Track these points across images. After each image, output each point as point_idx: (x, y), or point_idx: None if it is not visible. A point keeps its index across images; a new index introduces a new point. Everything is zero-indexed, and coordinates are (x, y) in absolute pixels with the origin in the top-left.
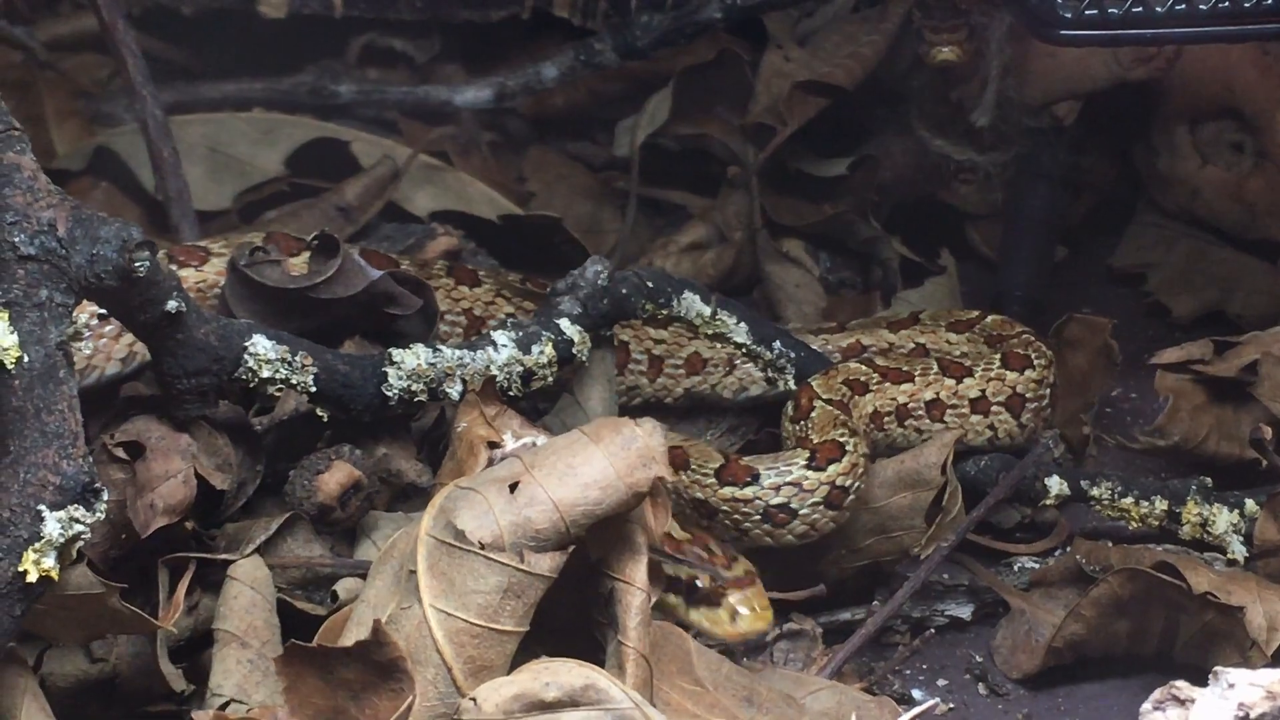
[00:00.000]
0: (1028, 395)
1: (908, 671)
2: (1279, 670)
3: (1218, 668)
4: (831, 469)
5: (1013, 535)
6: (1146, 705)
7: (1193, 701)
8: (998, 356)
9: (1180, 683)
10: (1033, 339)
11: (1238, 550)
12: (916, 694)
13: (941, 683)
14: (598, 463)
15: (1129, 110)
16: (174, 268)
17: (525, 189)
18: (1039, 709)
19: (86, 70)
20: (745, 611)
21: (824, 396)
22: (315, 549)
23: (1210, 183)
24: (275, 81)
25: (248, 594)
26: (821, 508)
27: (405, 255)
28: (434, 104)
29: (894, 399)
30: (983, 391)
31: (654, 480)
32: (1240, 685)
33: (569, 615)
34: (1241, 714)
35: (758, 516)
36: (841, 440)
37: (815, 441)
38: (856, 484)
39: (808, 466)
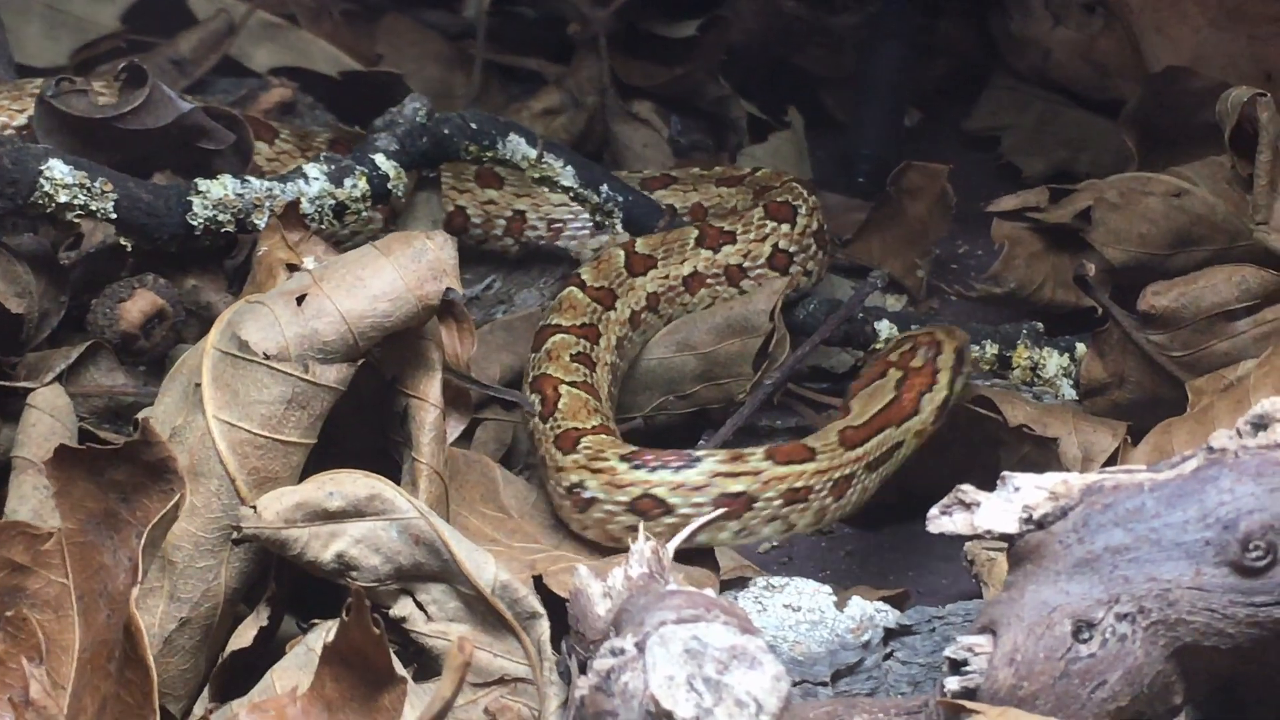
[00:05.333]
0: (792, 250)
1: None
2: (1063, 474)
3: (1005, 473)
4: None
5: (846, 379)
6: (934, 510)
7: (978, 505)
8: (760, 209)
9: (966, 486)
10: (797, 185)
11: (1067, 393)
12: None
13: None
14: (387, 275)
15: None
16: None
17: (375, 52)
18: (862, 546)
19: None
20: None
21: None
22: (118, 378)
23: (1062, 44)
24: None
25: (47, 421)
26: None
27: (238, 106)
28: None
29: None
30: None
31: (444, 293)
32: (1026, 488)
33: (370, 436)
34: (1026, 515)
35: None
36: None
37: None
38: None
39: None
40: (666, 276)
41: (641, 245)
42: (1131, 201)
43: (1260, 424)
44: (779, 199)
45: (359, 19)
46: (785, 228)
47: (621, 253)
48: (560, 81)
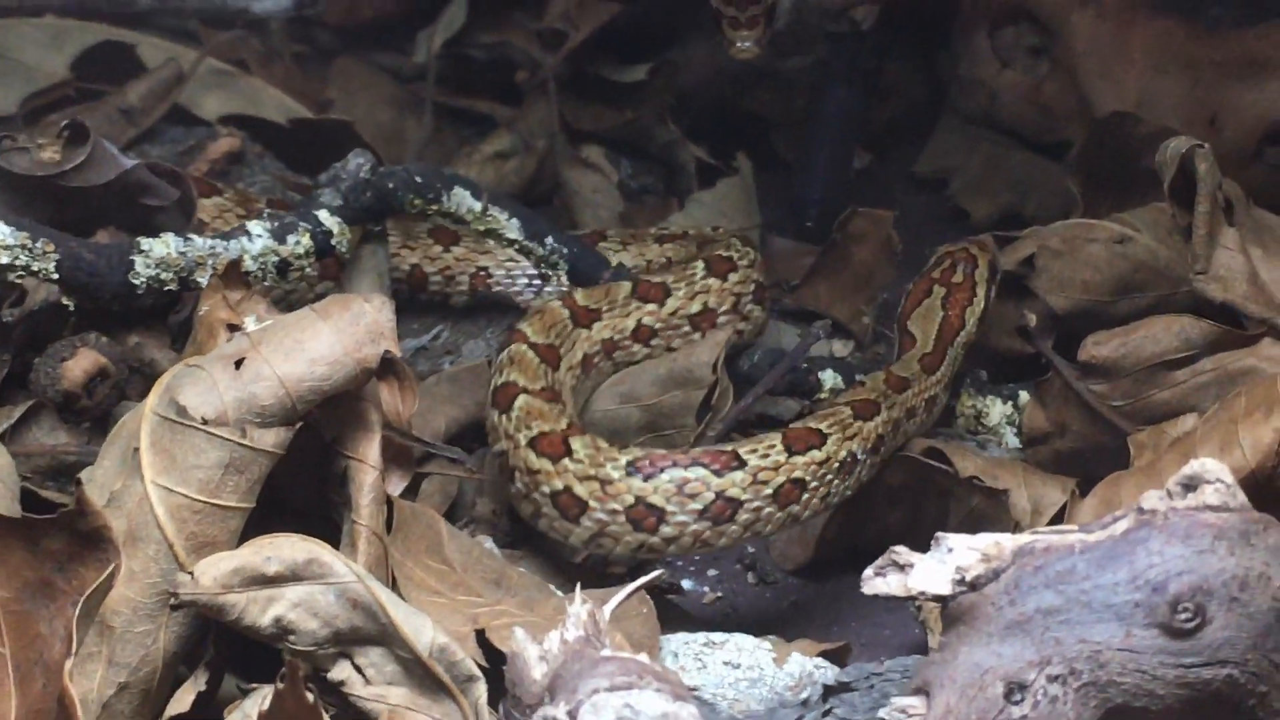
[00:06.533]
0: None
1: (679, 562)
2: (996, 535)
3: (939, 533)
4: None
5: None
6: (868, 571)
7: (912, 566)
8: (701, 264)
9: (900, 548)
10: (735, 239)
11: (1011, 441)
12: (686, 584)
13: (712, 573)
14: (325, 338)
15: (930, 15)
16: None
17: (326, 97)
18: (806, 597)
19: None
20: None
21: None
22: (61, 437)
23: (1009, 87)
24: None
25: None
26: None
27: (186, 157)
28: (233, 11)
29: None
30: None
31: (383, 356)
32: (959, 549)
33: (311, 497)
34: (958, 576)
35: None
36: None
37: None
38: None
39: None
40: (612, 328)
41: (582, 298)
42: (1075, 248)
43: (1190, 485)
44: (720, 253)
45: (311, 62)
46: (722, 282)
47: (561, 305)
48: (511, 125)
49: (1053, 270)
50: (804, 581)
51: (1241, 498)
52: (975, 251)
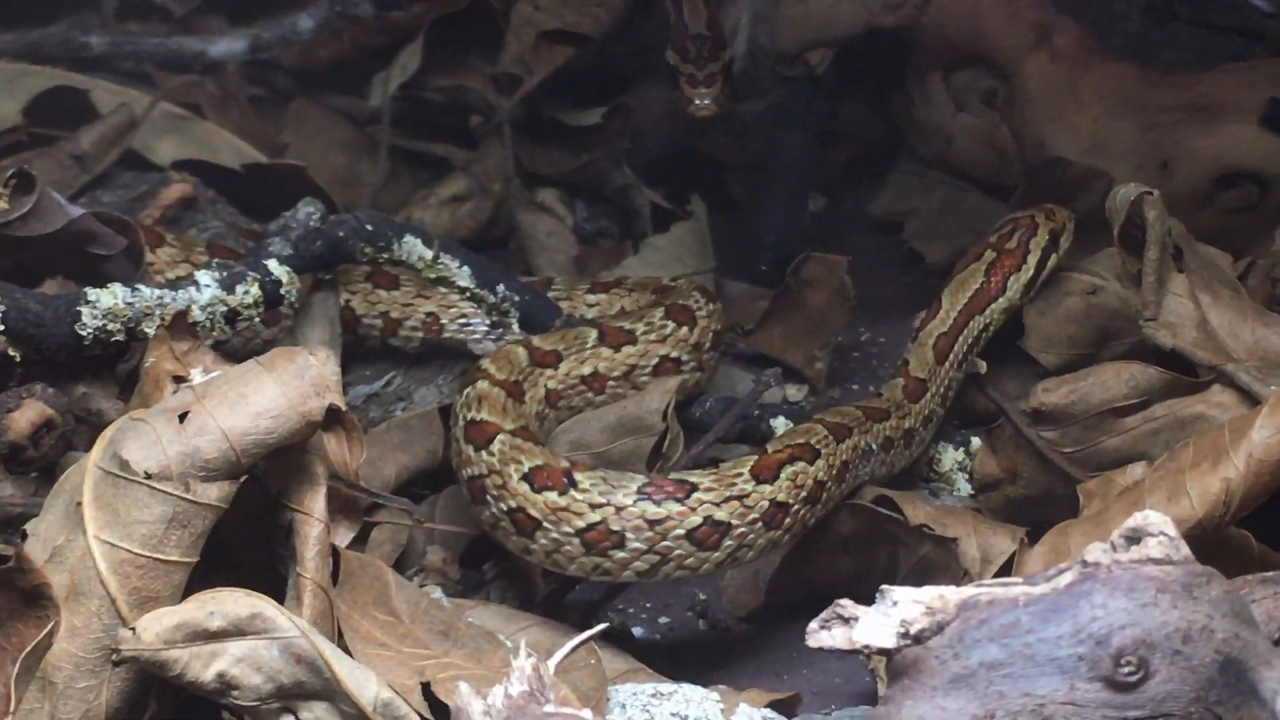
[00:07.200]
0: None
1: (631, 609)
2: (940, 588)
3: (884, 586)
4: None
5: None
6: (814, 624)
7: (856, 620)
8: (660, 311)
9: (845, 601)
10: (696, 290)
11: (963, 488)
12: (637, 631)
13: (663, 620)
14: (270, 391)
15: (884, 58)
16: None
17: (281, 141)
18: (759, 644)
19: None
20: None
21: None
22: (7, 489)
23: (963, 130)
24: (25, 33)
25: None
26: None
27: (138, 203)
28: (188, 56)
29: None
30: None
31: (328, 409)
32: (903, 603)
33: (257, 550)
34: (903, 630)
35: None
36: None
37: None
38: None
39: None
40: (568, 374)
41: (539, 343)
42: (1055, 305)
43: (1134, 537)
44: (680, 301)
45: (268, 104)
46: (682, 331)
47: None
48: (468, 168)
49: (1041, 330)
50: (757, 628)
51: (1185, 550)
52: (1040, 219)
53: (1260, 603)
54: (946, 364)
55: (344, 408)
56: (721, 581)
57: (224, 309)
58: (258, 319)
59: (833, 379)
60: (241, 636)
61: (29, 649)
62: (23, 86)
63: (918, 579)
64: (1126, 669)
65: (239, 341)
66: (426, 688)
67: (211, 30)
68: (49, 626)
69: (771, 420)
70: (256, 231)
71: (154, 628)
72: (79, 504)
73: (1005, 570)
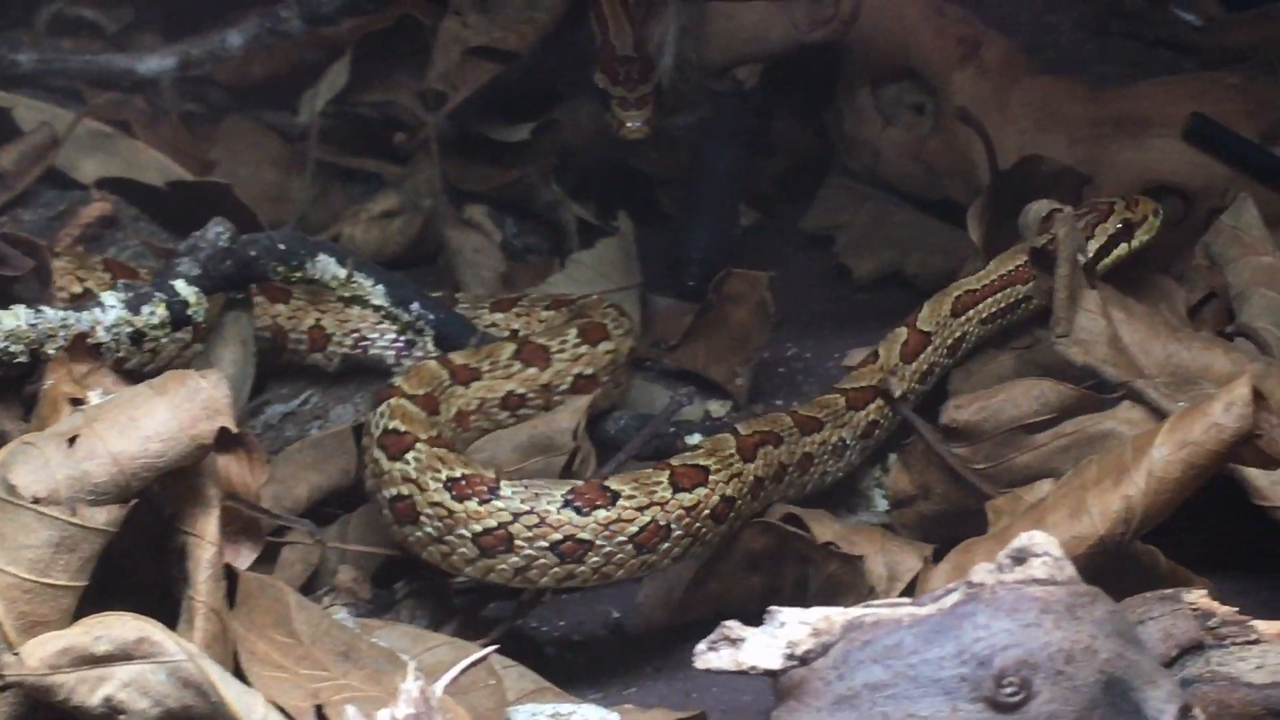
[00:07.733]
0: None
1: (545, 628)
2: (826, 609)
3: (771, 607)
4: None
5: None
6: (701, 646)
7: (744, 641)
8: (574, 330)
9: (732, 623)
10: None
11: (879, 504)
12: (549, 650)
13: (576, 638)
14: (160, 415)
15: (815, 73)
16: None
17: (210, 158)
18: (669, 661)
19: None
20: None
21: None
22: None
23: (892, 144)
24: None
25: None
26: None
27: (58, 222)
28: (117, 73)
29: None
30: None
31: (220, 431)
32: (790, 624)
33: (151, 573)
34: (789, 651)
35: None
36: None
37: None
38: None
39: None
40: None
41: (456, 359)
42: None
43: (1020, 558)
44: (595, 319)
45: (202, 120)
46: (595, 349)
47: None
48: (399, 184)
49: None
50: (666, 646)
51: (1070, 571)
52: (1119, 207)
53: (1159, 620)
54: (963, 318)
55: (235, 429)
56: (636, 599)
57: (130, 330)
58: (164, 340)
59: (756, 394)
60: (129, 661)
61: None
62: None
63: (826, 597)
64: (1008, 689)
65: (144, 360)
66: (320, 711)
67: (143, 47)
68: None
69: (687, 436)
70: (169, 251)
71: (39, 653)
72: None
73: (912, 589)
